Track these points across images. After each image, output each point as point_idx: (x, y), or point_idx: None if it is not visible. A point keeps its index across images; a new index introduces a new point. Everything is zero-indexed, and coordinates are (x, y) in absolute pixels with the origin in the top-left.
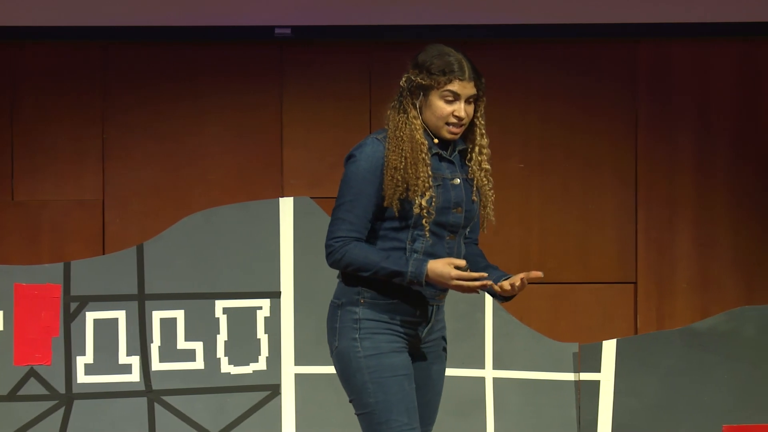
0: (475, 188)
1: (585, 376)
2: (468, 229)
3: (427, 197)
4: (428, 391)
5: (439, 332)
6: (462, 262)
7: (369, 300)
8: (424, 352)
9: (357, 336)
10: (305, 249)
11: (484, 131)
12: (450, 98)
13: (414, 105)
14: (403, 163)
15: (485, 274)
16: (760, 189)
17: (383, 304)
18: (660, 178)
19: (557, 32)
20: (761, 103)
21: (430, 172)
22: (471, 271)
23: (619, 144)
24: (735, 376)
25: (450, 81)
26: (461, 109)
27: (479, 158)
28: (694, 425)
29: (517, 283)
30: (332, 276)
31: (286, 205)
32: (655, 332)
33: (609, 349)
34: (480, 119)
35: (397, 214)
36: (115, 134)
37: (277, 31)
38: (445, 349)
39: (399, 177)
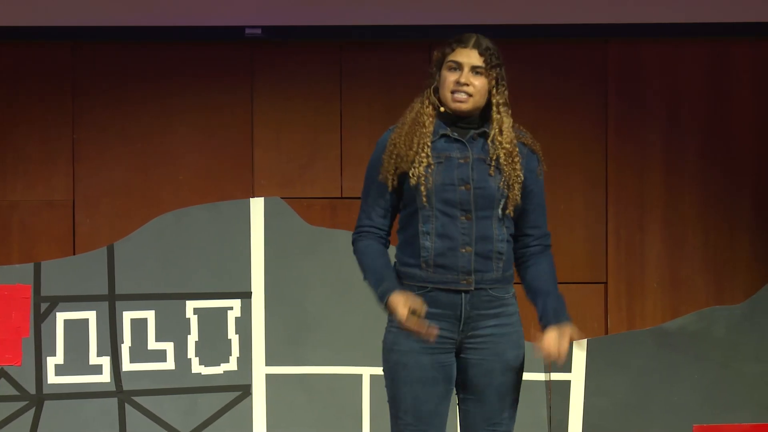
0: (494, 167)
1: (555, 376)
2: (498, 213)
3: (425, 164)
4: (486, 389)
5: (493, 329)
6: (418, 306)
7: None
8: (472, 349)
9: (387, 327)
10: (276, 249)
11: (502, 109)
12: (453, 66)
13: (429, 86)
14: (399, 139)
15: (434, 332)
16: (729, 189)
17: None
18: (630, 178)
19: (526, 33)
20: (730, 103)
21: (428, 143)
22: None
23: (588, 144)
24: (705, 376)
25: (453, 50)
26: (462, 75)
27: (500, 138)
28: (665, 425)
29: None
30: (302, 276)
31: (257, 206)
32: (626, 332)
33: (579, 349)
34: (497, 97)
35: (391, 188)
36: (84, 134)
37: (247, 31)
38: (516, 345)
39: (395, 152)
